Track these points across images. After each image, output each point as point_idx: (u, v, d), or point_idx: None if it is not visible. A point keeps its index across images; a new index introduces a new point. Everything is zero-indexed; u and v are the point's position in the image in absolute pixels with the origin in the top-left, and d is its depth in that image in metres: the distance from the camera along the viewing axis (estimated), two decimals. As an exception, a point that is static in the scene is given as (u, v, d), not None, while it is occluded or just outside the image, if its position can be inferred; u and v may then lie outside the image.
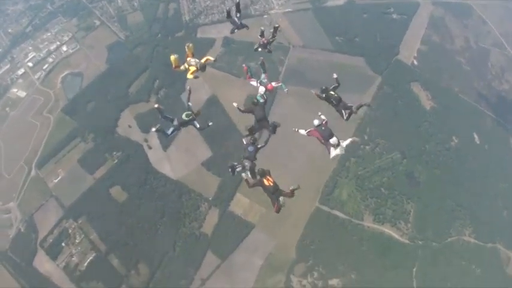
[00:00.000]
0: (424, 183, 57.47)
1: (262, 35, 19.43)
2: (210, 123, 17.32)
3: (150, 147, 57.59)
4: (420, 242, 54.26)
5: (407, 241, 54.20)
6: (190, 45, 17.14)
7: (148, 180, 55.75)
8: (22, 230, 54.22)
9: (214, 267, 52.14)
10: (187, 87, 17.94)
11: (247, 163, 15.24)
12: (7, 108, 63.77)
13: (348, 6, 71.98)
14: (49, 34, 70.88)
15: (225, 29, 18.30)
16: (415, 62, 66.46)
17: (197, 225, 53.90)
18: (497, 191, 59.25)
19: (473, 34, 72.38)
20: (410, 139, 60.10)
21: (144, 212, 53.96)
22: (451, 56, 69.27)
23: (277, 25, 20.26)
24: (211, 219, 54.30)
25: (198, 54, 17.83)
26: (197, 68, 16.65)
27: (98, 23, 71.49)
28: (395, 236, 54.42)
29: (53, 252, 52.52)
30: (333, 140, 15.13)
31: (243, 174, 15.16)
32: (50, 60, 67.87)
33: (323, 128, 15.57)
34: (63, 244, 52.87)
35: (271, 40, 19.70)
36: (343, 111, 16.43)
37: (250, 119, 16.88)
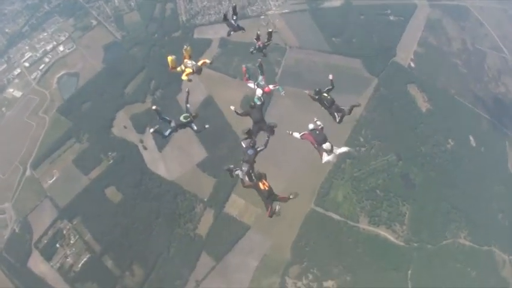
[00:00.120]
0: (419, 185, 57.33)
1: (258, 38, 19.42)
2: (207, 126, 17.29)
3: (145, 148, 57.53)
4: (415, 245, 54.07)
5: (402, 243, 54.00)
6: (188, 48, 17.11)
7: (144, 181, 55.60)
8: (17, 230, 53.98)
9: (209, 269, 51.92)
10: (186, 90, 18.22)
11: (246, 167, 15.14)
12: (3, 108, 63.61)
13: (345, 8, 72.18)
14: (45, 34, 70.98)
15: (222, 30, 18.38)
16: (412, 64, 66.50)
17: (192, 226, 53.71)
18: (493, 193, 59.18)
19: (470, 36, 72.57)
20: (406, 141, 60.04)
21: (139, 212, 53.81)
22: (447, 58, 69.43)
23: (270, 29, 20.33)
24: (206, 220, 54.14)
25: (194, 54, 17.84)
26: (193, 70, 16.67)
27: (94, 22, 71.53)
28: (391, 238, 54.26)
29: (48, 253, 52.26)
30: (326, 146, 14.95)
31: (239, 173, 15.08)
32: (46, 60, 67.86)
33: (317, 132, 15.49)
34: (57, 245, 52.62)
35: (266, 44, 19.71)
36: (335, 113, 16.42)
37: (247, 120, 16.81)
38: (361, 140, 59.06)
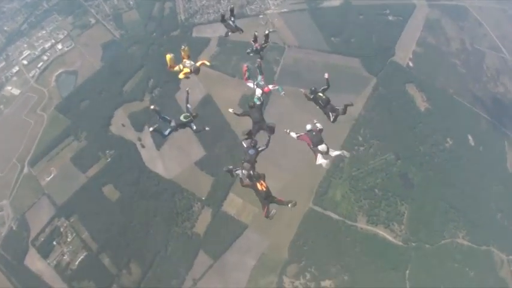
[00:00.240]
0: (418, 184, 57.48)
1: (255, 40, 19.14)
2: (207, 128, 17.14)
3: (143, 146, 57.64)
4: (414, 244, 54.20)
5: (400, 243, 54.12)
6: (186, 48, 17.00)
7: (141, 179, 55.73)
8: (14, 228, 54.04)
9: (206, 267, 52.03)
10: (186, 90, 18.31)
11: (247, 167, 14.85)
12: (1, 106, 63.77)
13: (344, 8, 72.55)
14: (44, 32, 71.04)
15: (221, 29, 18.35)
16: (411, 64, 66.78)
17: (190, 224, 53.81)
18: (492, 193, 59.31)
19: (469, 36, 72.92)
20: (404, 140, 60.23)
21: (136, 211, 53.92)
22: (446, 58, 69.73)
23: (267, 31, 20.07)
24: (204, 219, 54.22)
25: (193, 52, 17.80)
26: (191, 70, 16.52)
27: (93, 21, 71.66)
28: (389, 237, 54.36)
29: (45, 251, 52.35)
30: (322, 147, 14.83)
31: (240, 172, 14.80)
32: (45, 58, 68.01)
33: (314, 133, 15.30)
34: (54, 243, 52.72)
35: (263, 46, 19.55)
36: (330, 113, 16.23)
37: (246, 119, 16.82)
38: (360, 139, 59.29)
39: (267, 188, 14.09)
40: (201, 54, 63.05)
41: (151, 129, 16.03)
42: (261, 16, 70.28)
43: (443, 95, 65.10)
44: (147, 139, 57.77)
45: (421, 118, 62.09)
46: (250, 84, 17.56)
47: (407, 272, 52.81)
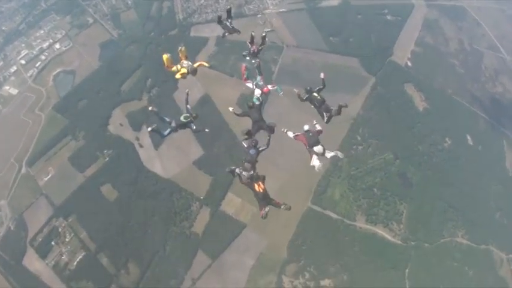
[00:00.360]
0: (416, 184, 57.70)
1: (252, 41, 18.89)
2: (207, 130, 17.44)
3: (141, 146, 57.80)
4: (413, 243, 54.36)
5: (399, 242, 54.28)
6: (183, 48, 17.01)
7: (140, 179, 55.86)
8: (12, 228, 54.10)
9: (205, 267, 52.06)
10: (186, 91, 18.41)
11: (248, 167, 14.87)
12: (-1, 106, 63.80)
13: (342, 7, 72.89)
14: (42, 32, 71.31)
15: (219, 28, 18.60)
16: (409, 64, 67.17)
17: (188, 224, 53.89)
18: (490, 192, 59.60)
19: (467, 36, 73.39)
20: (403, 140, 60.51)
21: (134, 210, 54.03)
22: (444, 58, 70.11)
23: (264, 33, 20.05)
24: (202, 219, 54.29)
25: (191, 52, 17.91)
26: (188, 71, 16.61)
27: (91, 20, 71.95)
28: (388, 237, 54.53)
29: (43, 251, 52.43)
30: (317, 149, 14.75)
31: (237, 170, 14.87)
32: (43, 57, 68.20)
33: (310, 134, 15.26)
34: (52, 243, 52.79)
35: (260, 48, 19.35)
36: (324, 113, 16.27)
37: (244, 119, 16.94)
38: (359, 138, 59.55)
39: (264, 190, 14.20)
40: (199, 54, 63.57)
41: (149, 129, 16.11)
42: (259, 16, 70.57)
43: (441, 95, 65.43)
44: (145, 139, 57.91)
45: (420, 118, 62.34)
46: (249, 85, 17.63)
47: (407, 271, 52.92)
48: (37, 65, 67.32)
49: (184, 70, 16.53)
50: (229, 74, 62.51)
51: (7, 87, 65.56)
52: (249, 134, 16.02)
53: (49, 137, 59.58)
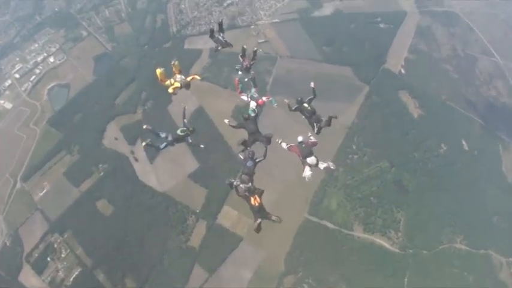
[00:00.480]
0: (413, 191, 57.58)
1: (243, 54, 18.83)
2: (202, 146, 17.72)
3: (136, 160, 57.87)
4: (411, 251, 54.11)
5: (398, 250, 54.06)
6: (176, 62, 17.07)
7: (135, 193, 55.90)
8: (8, 243, 54.18)
9: (202, 281, 51.70)
10: (183, 106, 18.38)
11: (246, 180, 14.98)
12: (-6, 120, 63.85)
13: (335, 17, 73.18)
14: (36, 45, 71.84)
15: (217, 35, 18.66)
16: (403, 71, 67.33)
17: (184, 238, 53.78)
18: (488, 196, 59.32)
19: (460, 42, 73.68)
20: (398, 147, 60.43)
21: (130, 225, 53.98)
22: (438, 64, 70.30)
23: (255, 48, 19.92)
24: (198, 232, 54.17)
25: (185, 64, 17.93)
26: (181, 85, 16.73)
27: (85, 34, 72.56)
28: (386, 245, 54.35)
29: (39, 267, 52.35)
30: (311, 160, 14.91)
31: (235, 182, 15.00)
32: (37, 71, 68.63)
33: (303, 145, 15.34)
34: (48, 259, 52.74)
35: (252, 63, 19.38)
36: (315, 124, 16.36)
37: (239, 131, 16.98)
38: (354, 147, 59.54)
39: (260, 204, 14.33)
40: (193, 66, 64.01)
41: (143, 144, 16.21)
42: (252, 27, 70.99)
43: (436, 101, 65.51)
44: (140, 152, 57.91)
45: (415, 125, 62.32)
46: (244, 97, 17.67)
47: (406, 279, 52.58)
48: (31, 78, 67.67)
49: (177, 84, 16.62)
50: (223, 86, 62.64)
51: (1, 102, 65.95)
52: (245, 144, 16.14)
53: (44, 151, 59.69)
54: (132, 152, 58.21)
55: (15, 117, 63.83)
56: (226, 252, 53.08)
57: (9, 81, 67.65)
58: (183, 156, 57.02)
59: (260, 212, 14.35)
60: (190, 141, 16.65)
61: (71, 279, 51.39)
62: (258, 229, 14.32)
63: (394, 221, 55.49)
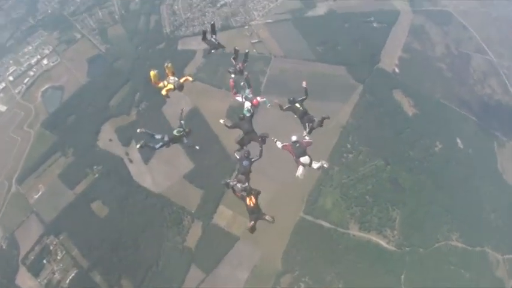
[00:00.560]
0: (409, 189, 58.20)
1: (236, 56, 19.03)
2: (197, 147, 17.71)
3: (131, 161, 58.39)
4: (407, 249, 54.62)
5: (394, 248, 54.54)
6: (169, 65, 17.26)
7: (130, 194, 56.31)
8: (4, 247, 54.59)
9: (198, 282, 52.01)
10: (181, 108, 19.14)
11: (243, 180, 15.26)
12: (-13, 123, 64.26)
13: (328, 17, 74.26)
14: (30, 47, 72.43)
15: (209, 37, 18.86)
16: (397, 70, 68.35)
17: (180, 238, 54.14)
18: (483, 194, 60.18)
19: (454, 40, 74.96)
20: (393, 146, 61.21)
21: (126, 226, 54.36)
22: (432, 63, 71.45)
23: (247, 50, 19.99)
24: (194, 233, 54.56)
25: (179, 65, 18.28)
26: (174, 87, 16.84)
27: (78, 36, 73.24)
28: (382, 243, 54.85)
29: (35, 269, 52.72)
30: (304, 159, 15.16)
31: (231, 182, 15.34)
32: (31, 73, 69.14)
33: (297, 145, 15.50)
34: (44, 261, 53.09)
35: (244, 65, 19.56)
36: (306, 124, 16.50)
37: (234, 131, 17.18)
38: (349, 146, 60.19)
39: (255, 205, 14.63)
40: (187, 67, 64.72)
41: (138, 146, 16.34)
42: (246, 27, 71.86)
43: (430, 100, 66.45)
44: (135, 154, 58.46)
45: (409, 123, 63.16)
46: (239, 99, 17.91)
47: (403, 277, 52.98)
48: (25, 81, 68.18)
49: (170, 86, 16.81)
50: (217, 86, 63.26)
51: (-5, 105, 66.11)
52: (241, 144, 16.47)
53: (38, 154, 60.15)
54: (127, 153, 58.73)
55: (9, 119, 64.25)
56: (222, 252, 53.47)
57: (3, 84, 68.13)
58: (178, 157, 57.55)
59: (255, 212, 14.60)
60: (186, 141, 16.87)
61: (67, 281, 51.69)
62: (252, 230, 14.63)
63: (389, 219, 55.99)
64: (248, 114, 16.78)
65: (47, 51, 71.43)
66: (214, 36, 19.34)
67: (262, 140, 16.32)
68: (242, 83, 18.46)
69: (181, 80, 17.18)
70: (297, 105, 16.82)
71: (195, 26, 72.17)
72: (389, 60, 68.77)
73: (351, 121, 61.77)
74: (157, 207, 55.60)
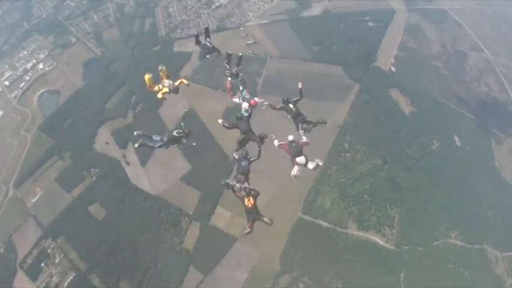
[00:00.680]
0: (407, 187, 58.73)
1: (229, 61, 18.82)
2: (194, 144, 17.80)
3: (128, 163, 59.21)
4: (406, 247, 55.04)
5: (393, 247, 54.99)
6: (164, 68, 17.26)
7: (127, 197, 57.08)
8: (1, 250, 55.42)
9: (197, 283, 52.55)
10: (185, 111, 19.22)
11: (241, 179, 15.47)
12: (-17, 129, 65.12)
13: (324, 16, 75.41)
14: (25, 52, 73.62)
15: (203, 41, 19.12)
16: (393, 68, 69.29)
17: (178, 240, 54.75)
18: (481, 191, 60.70)
19: (449, 38, 76.14)
20: (391, 144, 61.84)
21: (123, 228, 55.08)
22: (428, 61, 72.43)
23: (240, 54, 19.52)
24: (192, 234, 55.15)
25: (175, 67, 18.59)
26: (170, 90, 16.93)
27: (73, 39, 74.43)
28: (381, 242, 55.27)
29: (33, 273, 53.38)
30: (300, 159, 15.37)
31: (231, 182, 15.54)
32: (27, 78, 70.29)
33: (294, 144, 15.69)
34: (42, 264, 53.82)
35: (239, 68, 19.39)
36: (300, 125, 16.56)
37: (231, 132, 17.42)
38: (346, 145, 60.85)
39: (253, 205, 14.87)
40: (183, 69, 65.67)
41: (136, 145, 16.34)
42: (241, 28, 72.89)
43: (427, 98, 67.24)
44: (132, 156, 59.36)
45: (406, 122, 63.85)
46: (236, 100, 17.98)
47: (402, 275, 53.36)
48: (21, 85, 69.32)
49: (166, 89, 16.92)
50: (213, 87, 63.90)
51: (-9, 110, 66.99)
52: (241, 144, 16.57)
53: (35, 157, 61.05)
54: (124, 156, 59.55)
55: (5, 124, 65.32)
56: (220, 253, 53.97)
57: (-1, 89, 69.08)
58: (175, 159, 58.30)
59: (252, 213, 14.86)
60: (185, 141, 16.99)
61: (66, 284, 52.37)
62: (248, 231, 15.26)
63: (388, 218, 56.49)
64: (246, 114, 16.90)
65: (42, 56, 72.61)
66: (208, 40, 19.17)
67: (261, 140, 16.46)
68: (240, 87, 18.54)
69: (176, 83, 17.20)
70: (291, 105, 16.94)
71: (190, 28, 73.24)
72: (386, 59, 69.71)
73: (348, 120, 62.48)
74: (155, 209, 56.29)
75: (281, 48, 70.17)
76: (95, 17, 77.20)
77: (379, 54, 70.13)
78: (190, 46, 68.61)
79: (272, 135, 16.45)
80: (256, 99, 17.77)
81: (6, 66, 72.02)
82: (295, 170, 15.60)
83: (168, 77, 17.33)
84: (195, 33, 19.50)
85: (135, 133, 16.59)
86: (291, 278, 52.97)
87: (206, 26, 20.77)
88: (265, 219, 14.86)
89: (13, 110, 66.81)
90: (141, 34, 73.92)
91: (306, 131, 16.41)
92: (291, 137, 15.88)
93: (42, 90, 68.38)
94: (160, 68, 17.30)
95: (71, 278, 52.72)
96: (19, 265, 53.83)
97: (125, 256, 53.58)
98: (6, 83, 69.82)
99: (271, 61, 68.63)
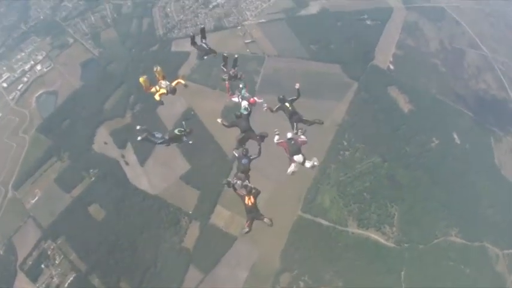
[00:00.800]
0: (406, 185, 59.26)
1: (225, 63, 18.89)
2: (190, 142, 17.49)
3: (127, 163, 59.70)
4: (406, 245, 55.52)
5: (393, 245, 55.51)
6: (159, 68, 17.08)
7: (127, 197, 57.57)
8: (1, 252, 55.91)
9: (197, 282, 53.03)
10: (191, 112, 19.16)
11: (242, 177, 15.49)
12: (-18, 130, 65.49)
13: (321, 15, 75.91)
14: (23, 54, 74.06)
15: (199, 42, 19.19)
16: (391, 67, 69.93)
17: (178, 239, 55.20)
18: (481, 189, 61.24)
19: (447, 36, 76.81)
20: (390, 142, 62.44)
21: (123, 228, 55.55)
22: (426, 59, 73.08)
23: (236, 55, 19.49)
24: (192, 233, 55.61)
25: (173, 66, 18.61)
26: (167, 90, 16.80)
27: (71, 40, 74.98)
28: (381, 240, 55.77)
29: (33, 274, 53.86)
30: (297, 158, 15.39)
31: (232, 180, 15.87)
32: (25, 79, 70.71)
33: (292, 142, 15.77)
34: (42, 266, 54.27)
35: (235, 69, 19.53)
36: (295, 124, 16.71)
37: (230, 131, 17.64)
38: (345, 144, 61.43)
39: (253, 204, 15.02)
40: (181, 68, 66.18)
41: (139, 138, 16.29)
42: (239, 27, 73.44)
43: (425, 96, 67.82)
44: (131, 156, 59.90)
45: (405, 120, 64.43)
46: (235, 99, 18.04)
47: (403, 273, 53.82)
48: (19, 87, 69.77)
49: (163, 90, 16.76)
50: (211, 87, 64.26)
51: (-11, 111, 67.39)
52: (241, 142, 16.68)
53: (34, 159, 61.51)
54: (123, 156, 60.04)
55: (4, 126, 65.77)
56: (220, 252, 54.46)
57: (-3, 91, 69.49)
58: (174, 158, 58.81)
59: (252, 212, 14.98)
60: (186, 139, 17.00)
61: (66, 285, 52.83)
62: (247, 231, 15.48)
63: (388, 215, 57.02)
64: (246, 112, 16.97)
65: (40, 57, 73.08)
66: (204, 41, 18.93)
67: (261, 138, 16.49)
68: (240, 85, 18.50)
69: (174, 84, 17.12)
70: (287, 104, 17.10)
71: (188, 27, 73.83)
72: (384, 57, 70.33)
73: (346, 119, 63.03)
74: (154, 209, 56.74)
75: (279, 47, 70.68)
76: (92, 17, 77.66)
77: (377, 53, 70.69)
78: (188, 46, 64.98)
79: (276, 129, 16.39)
80: (255, 98, 17.95)
81: (4, 68, 72.40)
82: (291, 168, 15.67)
83: (164, 78, 17.16)
84: (191, 34, 19.29)
85: (137, 127, 16.56)
86: (291, 276, 53.34)
87: (202, 26, 20.73)
88: (265, 220, 14.98)
89: (11, 111, 67.25)
90: (139, 34, 74.39)
91: (300, 131, 16.56)
92: (289, 135, 16.02)
93: (40, 92, 68.82)
94: (155, 69, 17.15)
95: (71, 278, 53.17)
96: (19, 267, 54.26)
97: (125, 256, 54.03)
98: (4, 84, 70.24)
99: (269, 60, 69.13)
